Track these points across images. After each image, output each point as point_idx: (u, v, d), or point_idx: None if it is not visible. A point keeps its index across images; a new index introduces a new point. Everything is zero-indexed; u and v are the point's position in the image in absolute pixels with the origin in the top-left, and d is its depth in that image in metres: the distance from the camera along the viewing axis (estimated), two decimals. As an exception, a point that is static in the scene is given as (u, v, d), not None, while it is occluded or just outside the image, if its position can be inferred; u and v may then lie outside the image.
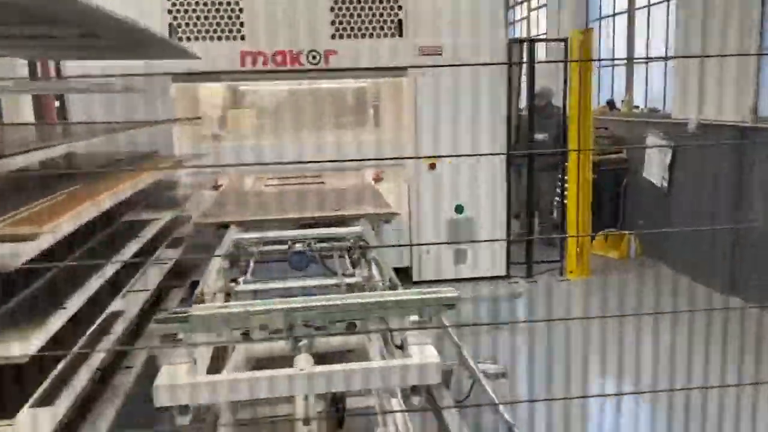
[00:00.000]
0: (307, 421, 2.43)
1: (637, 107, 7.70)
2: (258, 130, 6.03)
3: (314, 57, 5.35)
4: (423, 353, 2.10)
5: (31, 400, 1.74)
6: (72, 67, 4.75)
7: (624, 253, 6.74)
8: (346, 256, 3.36)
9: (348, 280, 3.02)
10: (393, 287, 2.65)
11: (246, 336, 2.25)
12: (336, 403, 2.76)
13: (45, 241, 1.75)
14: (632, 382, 3.77)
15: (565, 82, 6.02)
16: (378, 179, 5.47)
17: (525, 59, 6.05)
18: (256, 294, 2.82)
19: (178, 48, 3.47)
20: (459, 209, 5.75)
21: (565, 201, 6.35)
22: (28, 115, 4.65)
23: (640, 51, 7.86)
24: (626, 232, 6.84)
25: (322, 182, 4.94)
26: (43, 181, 1.95)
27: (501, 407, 2.42)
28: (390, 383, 2.24)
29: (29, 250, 1.66)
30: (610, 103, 8.12)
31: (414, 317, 2.28)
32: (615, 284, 5.62)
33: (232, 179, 5.18)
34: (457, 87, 5.45)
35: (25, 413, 1.71)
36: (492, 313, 4.82)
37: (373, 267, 3.04)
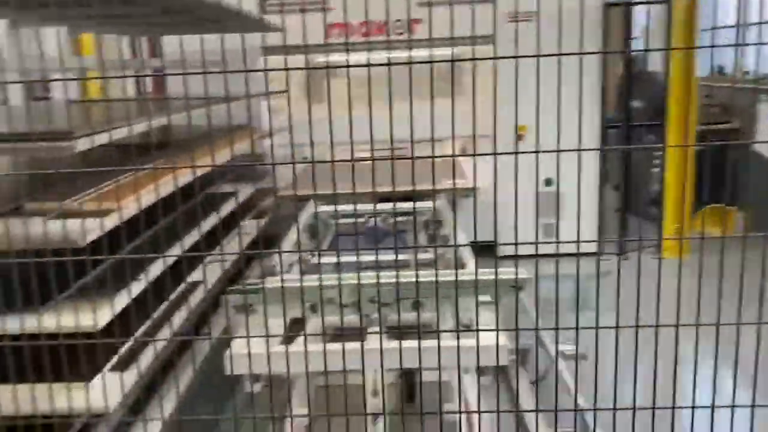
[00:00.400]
0: (376, 393, 2.47)
1: (748, 73, 7.12)
2: (345, 101, 6.05)
3: (401, 27, 5.29)
4: (491, 334, 2.07)
5: (109, 364, 1.86)
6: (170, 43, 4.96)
7: (730, 231, 6.32)
8: (423, 231, 3.34)
9: (422, 256, 3.01)
10: (466, 265, 2.62)
11: (316, 309, 2.30)
12: (407, 376, 2.79)
13: (125, 215, 1.85)
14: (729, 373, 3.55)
15: (667, 47, 5.65)
16: (465, 151, 5.39)
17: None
18: (330, 267, 2.87)
19: (262, 22, 3.54)
20: (548, 182, 5.56)
21: (665, 173, 6.01)
22: (130, 90, 4.93)
23: (752, 12, 7.23)
24: (734, 207, 6.40)
25: (408, 155, 4.91)
26: (139, 152, 2.04)
27: (572, 388, 2.36)
28: (458, 362, 2.23)
29: (109, 224, 1.75)
30: (719, 69, 7.56)
31: (486, 297, 2.24)
32: (716, 264, 5.27)
33: (320, 151, 5.26)
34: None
35: (104, 376, 1.83)
36: (577, 292, 4.66)
37: (449, 243, 3.01)
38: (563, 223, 6.26)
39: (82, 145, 1.69)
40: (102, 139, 1.74)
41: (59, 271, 1.60)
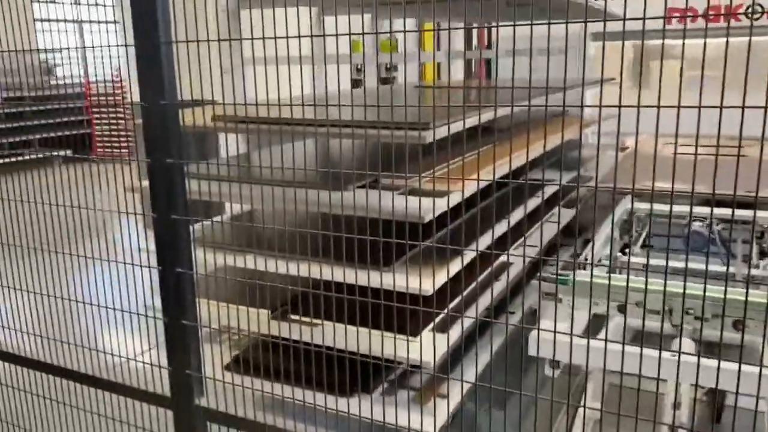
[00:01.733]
0: (678, 405, 2.37)
1: None
2: (675, 87, 5.64)
3: (757, 12, 4.71)
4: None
5: (430, 326, 2.13)
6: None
7: None
8: (755, 244, 3.03)
9: (751, 271, 2.74)
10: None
11: (622, 309, 2.29)
12: (714, 395, 2.61)
13: (453, 198, 2.08)
14: None
15: None
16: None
17: None
18: (642, 268, 2.79)
19: (598, 9, 3.53)
20: None
21: None
22: (459, 75, 5.32)
23: None
24: None
25: (744, 154, 4.41)
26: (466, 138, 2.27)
27: None
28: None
29: (442, 205, 1.99)
30: None
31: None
32: None
33: (640, 141, 5.02)
34: None
35: (425, 335, 2.10)
36: None
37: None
38: None
39: (439, 134, 1.95)
40: (456, 127, 1.99)
41: (401, 240, 1.89)
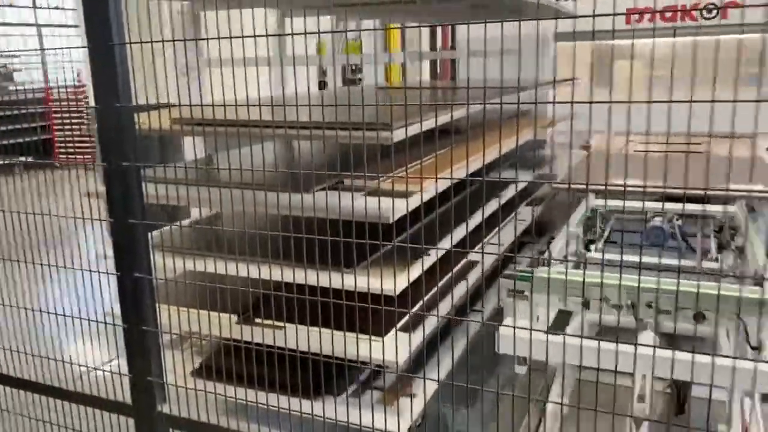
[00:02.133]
0: (642, 398, 2.40)
1: None
2: (633, 85, 5.73)
3: (710, 11, 4.83)
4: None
5: (396, 327, 2.12)
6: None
7: None
8: (712, 238, 3.09)
9: (708, 265, 2.80)
10: (761, 282, 2.38)
11: (586, 305, 2.31)
12: (678, 387, 2.65)
13: (414, 200, 2.08)
14: None
15: None
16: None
17: None
18: (605, 263, 2.82)
19: (556, 8, 3.59)
20: None
21: None
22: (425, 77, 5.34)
23: None
24: None
25: (702, 151, 4.51)
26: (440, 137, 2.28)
27: None
28: (738, 384, 2.07)
29: (402, 207, 1.99)
30: None
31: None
32: None
33: (602, 140, 5.10)
34: None
35: (390, 336, 2.10)
36: None
37: (742, 255, 2.75)
38: None
39: (398, 135, 1.94)
40: (413, 129, 1.98)
41: (361, 242, 1.88)
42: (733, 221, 3.15)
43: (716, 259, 2.84)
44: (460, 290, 2.47)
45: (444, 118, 2.33)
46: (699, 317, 2.05)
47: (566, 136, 5.31)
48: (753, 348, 2.09)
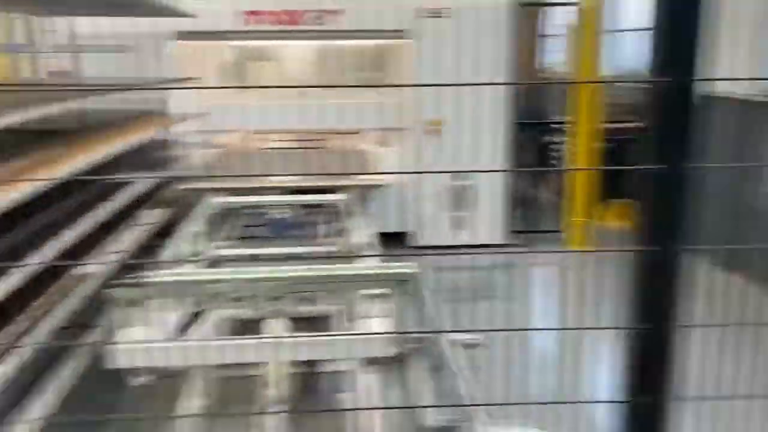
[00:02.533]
0: (267, 385, 2.47)
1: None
2: (261, 88, 5.99)
3: (318, 17, 5.26)
4: (380, 326, 2.12)
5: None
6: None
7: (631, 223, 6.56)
8: (331, 224, 3.36)
9: (327, 248, 3.03)
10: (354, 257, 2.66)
11: (210, 302, 2.28)
12: (307, 367, 2.80)
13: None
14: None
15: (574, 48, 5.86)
16: (381, 143, 5.42)
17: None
18: (232, 259, 2.85)
19: (169, 7, 3.47)
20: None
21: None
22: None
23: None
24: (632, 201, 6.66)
25: (323, 146, 4.91)
26: (31, 138, 1.98)
27: (461, 375, 2.44)
28: (349, 354, 2.27)
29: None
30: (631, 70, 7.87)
31: (381, 290, 2.29)
32: (613, 256, 5.51)
33: (234, 138, 5.19)
34: (460, 51, 5.32)
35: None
36: (480, 283, 4.81)
37: (356, 235, 3.04)
38: (473, 216, 6.40)
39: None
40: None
41: None
42: (348, 208, 3.47)
43: (333, 243, 3.10)
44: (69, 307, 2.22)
45: (31, 115, 2.05)
46: (308, 299, 2.18)
47: (195, 135, 5.27)
48: (359, 318, 2.31)
